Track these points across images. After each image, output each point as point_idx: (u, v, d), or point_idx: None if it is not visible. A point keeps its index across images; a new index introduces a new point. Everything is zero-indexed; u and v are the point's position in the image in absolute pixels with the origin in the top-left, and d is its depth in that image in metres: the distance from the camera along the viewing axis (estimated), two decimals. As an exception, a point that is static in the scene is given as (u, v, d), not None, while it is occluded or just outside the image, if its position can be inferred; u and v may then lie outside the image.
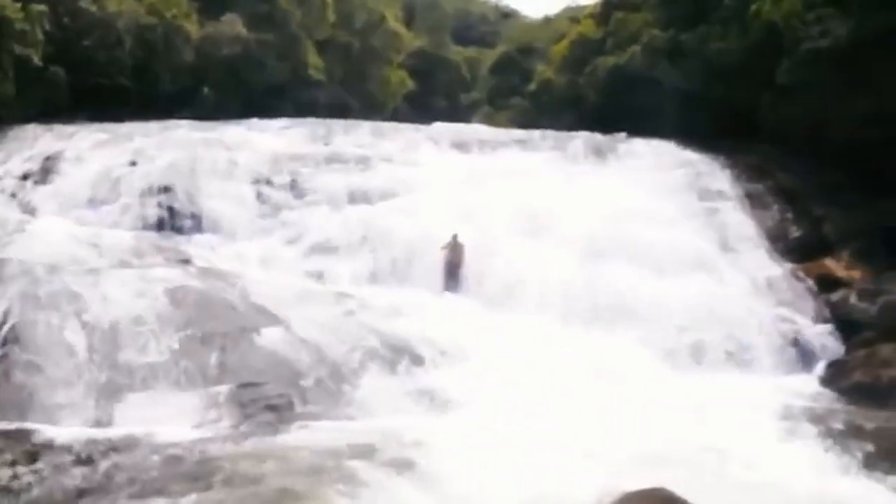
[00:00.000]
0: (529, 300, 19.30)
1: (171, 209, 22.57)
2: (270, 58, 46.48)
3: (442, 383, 14.94)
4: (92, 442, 11.99)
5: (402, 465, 11.53)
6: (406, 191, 23.68)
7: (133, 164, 24.19)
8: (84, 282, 15.89)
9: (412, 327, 16.72)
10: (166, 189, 22.95)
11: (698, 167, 25.91)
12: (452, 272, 20.56)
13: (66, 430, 12.48)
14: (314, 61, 50.42)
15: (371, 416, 13.85)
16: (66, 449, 11.75)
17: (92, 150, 25.16)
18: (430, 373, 15.37)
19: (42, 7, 31.80)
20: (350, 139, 28.45)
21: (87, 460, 11.43)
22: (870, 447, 13.11)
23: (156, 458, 11.60)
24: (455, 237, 20.71)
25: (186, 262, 18.41)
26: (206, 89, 43.89)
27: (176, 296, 15.95)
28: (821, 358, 18.88)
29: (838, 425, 14.45)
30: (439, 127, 31.28)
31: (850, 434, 13.90)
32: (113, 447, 11.83)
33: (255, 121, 31.34)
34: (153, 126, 28.84)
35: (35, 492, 10.65)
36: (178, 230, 22.19)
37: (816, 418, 14.92)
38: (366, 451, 12.00)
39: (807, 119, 24.89)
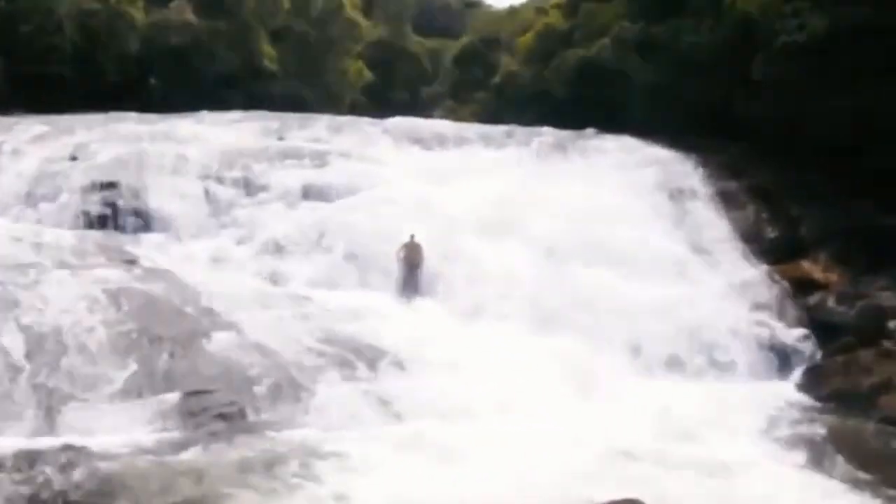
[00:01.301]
0: (493, 303, 19.30)
1: (115, 207, 22.28)
2: (221, 47, 46.20)
3: (400, 391, 14.85)
4: (29, 454, 11.75)
5: (317, 478, 11.68)
6: (364, 188, 23.58)
7: (74, 158, 23.93)
8: (22, 284, 15.65)
9: (371, 332, 16.67)
10: (110, 185, 22.65)
11: (669, 165, 26.02)
12: (410, 273, 20.51)
13: (2, 442, 12.25)
14: (268, 51, 50.14)
15: (327, 425, 13.75)
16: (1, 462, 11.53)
17: (30, 144, 24.87)
18: (388, 380, 15.27)
19: (-24, -10, 31.42)
20: (305, 133, 28.40)
21: (21, 473, 11.20)
22: (849, 458, 13.25)
23: (92, 471, 11.36)
24: (412, 237, 20.65)
25: (132, 262, 18.19)
26: (152, 80, 43.60)
27: (120, 299, 15.75)
28: (798, 363, 19.01)
29: (816, 435, 14.59)
30: (399, 121, 31.19)
31: (828, 444, 14.01)
32: (50, 460, 11.59)
33: (205, 113, 31.17)
34: (96, 118, 28.57)
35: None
36: (123, 229, 21.92)
37: (793, 427, 15.06)
38: (299, 463, 12.07)
39: (782, 116, 25.07)
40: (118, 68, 41.59)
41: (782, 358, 19.14)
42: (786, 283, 21.17)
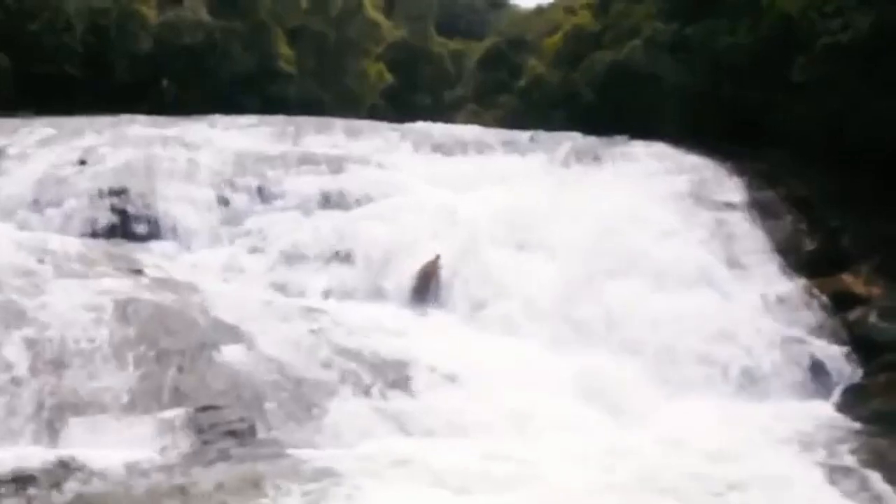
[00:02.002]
0: (515, 318, 19.17)
1: (124, 213, 22.42)
2: (236, 48, 46.45)
3: (417, 409, 14.83)
4: (27, 470, 11.77)
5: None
6: (383, 196, 23.65)
7: (83, 163, 24.06)
8: (26, 293, 15.75)
9: (388, 347, 16.65)
10: (119, 191, 22.79)
11: (703, 173, 25.88)
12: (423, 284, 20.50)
13: (1, 455, 12.29)
14: (285, 52, 50.36)
15: (341, 444, 13.75)
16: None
17: (37, 147, 25.05)
18: (405, 397, 15.27)
19: (-17, -13, 31.69)
20: (322, 139, 28.50)
21: (17, 490, 11.27)
22: (892, 484, 13.09)
23: (91, 490, 11.45)
24: (438, 258, 20.65)
25: (140, 272, 18.31)
26: (164, 81, 43.91)
27: (128, 309, 15.82)
28: (837, 383, 18.65)
29: (856, 458, 14.38)
30: (420, 126, 31.30)
31: (870, 469, 13.80)
32: (49, 477, 11.66)
33: (218, 117, 31.31)
34: (106, 121, 28.72)
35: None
36: (132, 237, 22.02)
37: (832, 450, 14.85)
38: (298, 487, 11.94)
39: (824, 121, 24.82)
40: (129, 69, 41.87)
41: (821, 377, 18.79)
42: (825, 298, 20.85)
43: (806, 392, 18.56)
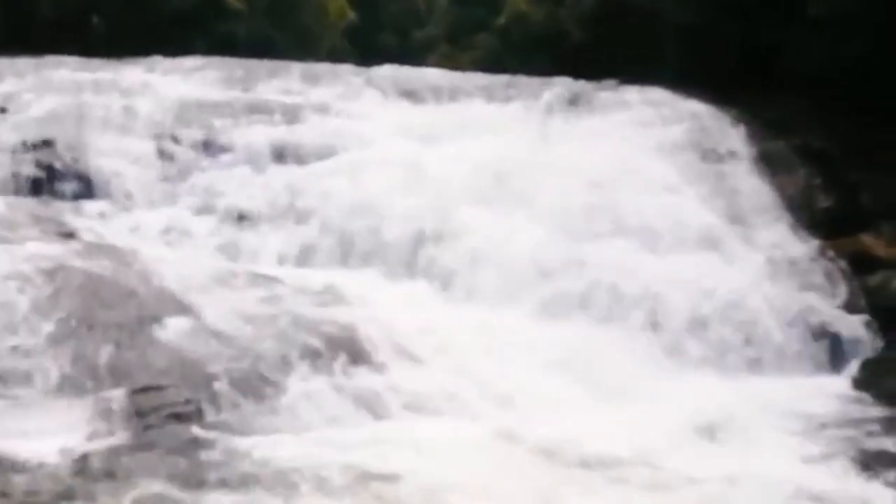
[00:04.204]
0: (493, 285, 19.30)
1: (50, 169, 22.26)
2: (177, -20, 46.01)
3: (386, 387, 14.90)
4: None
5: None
6: (344, 149, 23.61)
7: (2, 111, 23.93)
8: (-60, 260, 15.73)
9: (351, 318, 16.68)
10: (45, 143, 22.61)
11: (704, 121, 25.87)
12: None
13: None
14: (232, -15, 49.99)
15: (299, 427, 13.81)
16: None
17: (-51, 95, 24.88)
18: (370, 374, 15.31)
19: None
20: (276, 84, 28.34)
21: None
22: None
23: (14, 485, 11.22)
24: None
25: (70, 235, 18.25)
26: (95, 17, 43.43)
27: (57, 278, 15.76)
28: (854, 355, 18.86)
29: (878, 441, 14.52)
30: (386, 70, 31.12)
31: (890, 452, 13.95)
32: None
33: (158, 59, 31.07)
34: (28, 63, 28.44)
35: None
36: (60, 196, 21.87)
37: (849, 432, 14.98)
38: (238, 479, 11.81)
39: (846, 62, 24.76)
40: (54, 3, 41.40)
41: (835, 348, 18.99)
42: (841, 261, 21.04)
43: (819, 366, 18.74)
